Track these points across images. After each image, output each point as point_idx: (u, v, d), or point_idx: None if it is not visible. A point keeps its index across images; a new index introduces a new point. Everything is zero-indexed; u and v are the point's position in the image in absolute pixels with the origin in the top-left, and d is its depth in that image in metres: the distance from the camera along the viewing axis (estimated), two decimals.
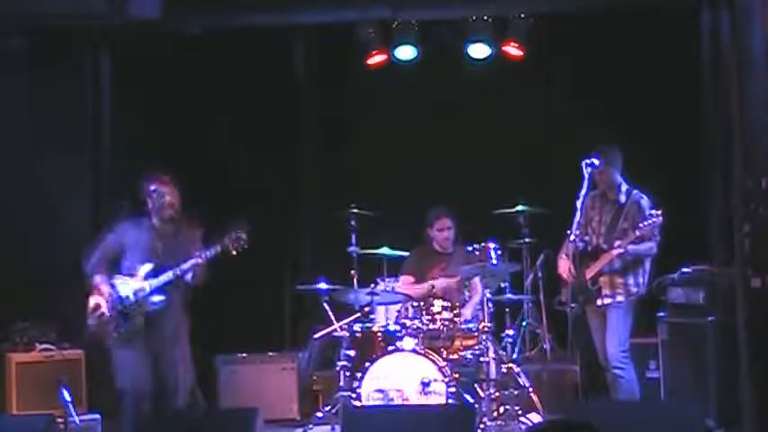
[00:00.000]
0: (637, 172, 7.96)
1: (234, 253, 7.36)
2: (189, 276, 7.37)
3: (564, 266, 7.83)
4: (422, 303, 8.39)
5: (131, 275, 7.41)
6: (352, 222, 9.15)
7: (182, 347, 7.48)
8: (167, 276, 7.33)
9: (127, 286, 7.39)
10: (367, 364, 7.99)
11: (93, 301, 7.42)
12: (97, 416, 8.18)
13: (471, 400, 8.09)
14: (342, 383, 8.28)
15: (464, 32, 9.67)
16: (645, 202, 7.76)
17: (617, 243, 7.66)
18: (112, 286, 7.42)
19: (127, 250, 7.49)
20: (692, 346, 7.98)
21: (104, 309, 7.37)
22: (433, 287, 8.53)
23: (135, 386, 7.35)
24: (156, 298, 7.37)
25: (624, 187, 7.84)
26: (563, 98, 9.86)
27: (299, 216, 10.39)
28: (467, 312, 8.53)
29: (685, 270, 8.25)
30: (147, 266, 7.39)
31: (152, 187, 7.48)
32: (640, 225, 7.57)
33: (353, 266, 9.14)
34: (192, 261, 7.30)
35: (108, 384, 8.02)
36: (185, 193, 7.74)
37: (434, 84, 9.99)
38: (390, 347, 8.15)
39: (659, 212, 7.57)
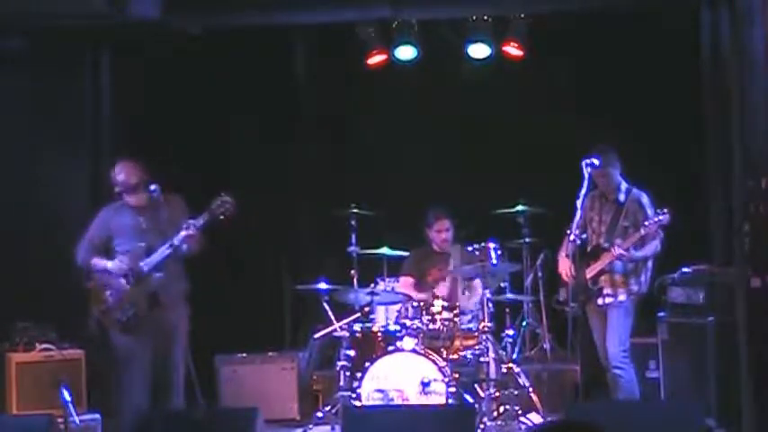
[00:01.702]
0: (637, 172, 7.96)
1: (222, 218, 7.41)
2: (184, 247, 7.44)
3: (564, 265, 7.82)
4: (422, 303, 8.39)
5: (127, 258, 7.51)
6: (352, 222, 9.15)
7: (181, 344, 7.52)
8: (161, 253, 7.41)
9: (125, 269, 7.48)
10: (367, 364, 7.98)
11: (98, 284, 7.54)
12: (97, 416, 8.18)
13: (471, 400, 8.09)
14: (342, 383, 8.28)
15: (464, 32, 9.67)
16: (645, 199, 7.76)
17: (618, 242, 7.65)
18: (111, 272, 7.52)
19: (114, 235, 7.61)
20: (692, 346, 7.98)
21: (112, 288, 7.49)
22: (435, 296, 8.50)
23: (135, 373, 7.47)
24: (154, 275, 7.46)
25: (624, 186, 7.84)
26: (563, 98, 9.85)
27: (299, 216, 10.38)
28: (469, 305, 8.53)
29: (685, 270, 8.25)
30: (140, 247, 7.46)
31: (114, 173, 7.61)
32: (646, 223, 7.56)
33: (353, 266, 9.14)
34: (183, 233, 7.37)
35: (108, 384, 8.04)
36: (184, 193, 7.77)
37: (434, 84, 9.98)
38: (390, 347, 8.15)
39: (665, 211, 7.56)
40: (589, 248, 7.81)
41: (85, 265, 7.64)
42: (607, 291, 7.74)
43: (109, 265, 7.53)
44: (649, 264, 7.81)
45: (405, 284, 8.82)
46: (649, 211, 7.67)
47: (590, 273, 7.72)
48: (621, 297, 7.74)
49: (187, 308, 7.67)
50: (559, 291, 7.93)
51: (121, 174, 7.59)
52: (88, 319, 7.67)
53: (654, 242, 7.69)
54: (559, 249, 7.94)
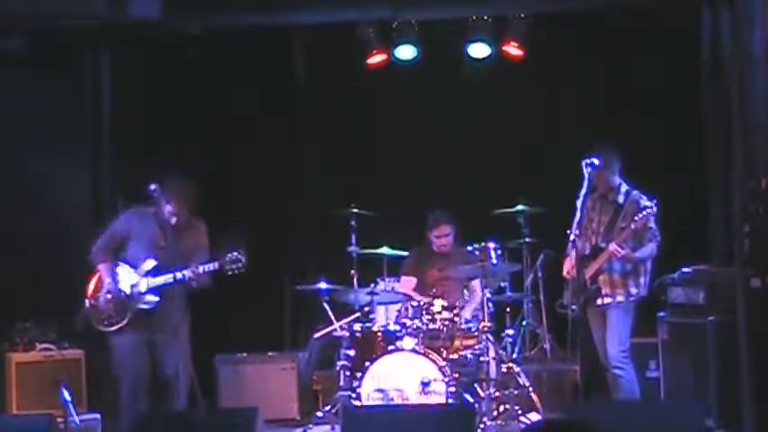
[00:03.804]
0: (637, 172, 7.96)
1: (229, 273, 7.44)
2: (192, 284, 7.46)
3: (568, 265, 7.81)
4: (422, 303, 8.39)
5: (133, 267, 7.51)
6: (352, 222, 9.15)
7: (181, 344, 7.54)
8: (165, 279, 7.43)
9: (127, 279, 7.50)
10: (367, 363, 7.98)
11: (93, 285, 7.57)
12: (97, 416, 8.18)
13: (471, 400, 8.09)
14: (342, 383, 8.28)
15: (464, 32, 9.67)
16: (643, 201, 7.76)
17: (615, 241, 7.64)
18: (113, 276, 7.54)
19: (131, 239, 7.62)
20: (692, 346, 7.98)
21: (101, 295, 7.51)
22: (436, 296, 8.48)
23: (131, 372, 7.49)
24: (151, 298, 7.47)
25: (624, 188, 7.84)
26: (563, 98, 9.85)
27: (300, 216, 10.38)
28: (466, 314, 8.53)
29: (685, 270, 8.25)
30: (150, 263, 7.45)
31: (163, 198, 7.52)
32: (635, 218, 7.57)
33: (353, 266, 9.14)
34: (188, 274, 7.38)
35: (108, 384, 8.05)
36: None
37: (434, 84, 9.98)
38: (390, 347, 8.14)
39: (652, 204, 7.56)
40: (588, 249, 7.81)
41: (95, 261, 7.64)
42: (606, 291, 7.74)
43: (107, 281, 7.54)
44: (648, 266, 7.81)
45: (406, 284, 8.81)
46: (642, 206, 7.66)
47: (588, 272, 7.72)
48: (620, 298, 7.75)
49: (187, 315, 7.67)
50: (563, 295, 7.92)
51: (174, 211, 7.50)
52: (78, 311, 7.67)
53: (651, 244, 7.69)
54: (564, 250, 7.93)
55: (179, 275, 7.38)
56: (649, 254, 7.74)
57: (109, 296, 7.50)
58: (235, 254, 7.42)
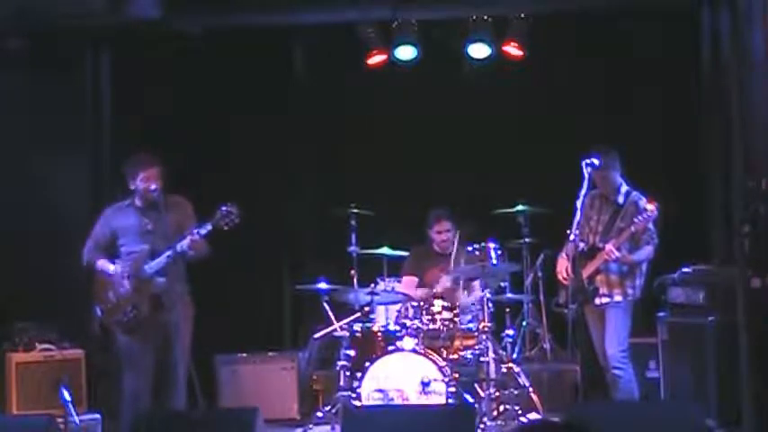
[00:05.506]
0: (637, 172, 7.96)
1: (225, 228, 7.46)
2: (190, 253, 7.49)
3: (562, 265, 7.83)
4: (422, 303, 8.39)
5: (129, 259, 7.54)
6: (352, 222, 9.15)
7: (182, 342, 7.55)
8: (165, 257, 7.46)
9: (127, 269, 7.53)
10: (367, 364, 7.99)
11: (101, 282, 7.60)
12: (97, 416, 8.19)
13: (471, 400, 8.09)
14: (342, 383, 8.28)
15: (464, 32, 9.66)
16: (642, 202, 7.76)
17: (612, 242, 7.65)
18: (114, 263, 7.59)
19: (119, 235, 7.67)
20: (692, 346, 7.98)
21: (110, 291, 7.52)
22: (435, 295, 8.49)
23: (137, 368, 7.50)
24: (158, 279, 7.51)
25: (624, 188, 7.84)
26: (563, 98, 9.85)
27: (300, 216, 10.38)
28: (467, 303, 8.53)
29: (685, 270, 8.25)
30: (144, 249, 7.47)
31: (138, 174, 7.58)
32: (635, 220, 7.58)
33: (353, 266, 9.14)
34: (186, 241, 7.41)
35: (108, 384, 8.05)
36: (185, 193, 7.78)
37: (434, 84, 9.98)
38: (390, 347, 8.15)
39: (653, 207, 7.57)
40: (586, 248, 7.81)
41: (90, 265, 7.69)
42: (603, 291, 7.75)
43: (111, 268, 7.57)
44: (644, 268, 7.81)
45: (407, 284, 8.81)
46: (642, 209, 7.66)
47: (586, 272, 7.72)
48: (618, 298, 7.75)
49: (191, 308, 7.70)
50: (559, 293, 7.93)
51: (149, 182, 7.55)
52: (91, 319, 7.72)
53: (647, 247, 7.70)
54: (561, 250, 7.94)
55: (178, 247, 7.40)
56: (646, 257, 7.75)
57: (116, 293, 7.51)
58: (225, 208, 7.45)
